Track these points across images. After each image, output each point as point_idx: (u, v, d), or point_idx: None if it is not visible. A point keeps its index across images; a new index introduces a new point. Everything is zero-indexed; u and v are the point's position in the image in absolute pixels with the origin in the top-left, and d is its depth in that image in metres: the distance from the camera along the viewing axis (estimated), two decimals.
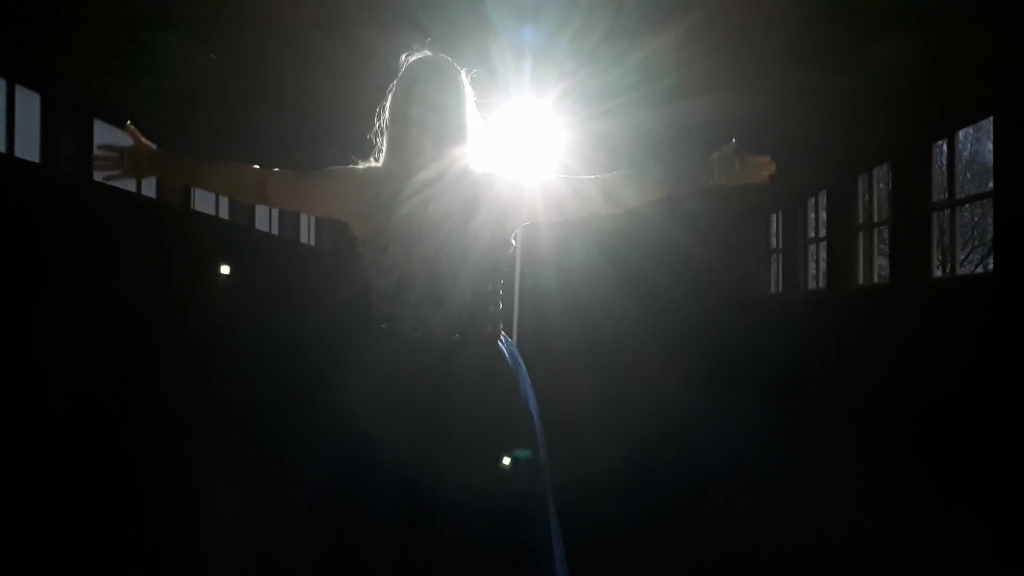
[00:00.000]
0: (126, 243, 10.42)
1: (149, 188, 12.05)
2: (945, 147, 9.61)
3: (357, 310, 2.56)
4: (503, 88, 7.21)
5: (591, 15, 7.04)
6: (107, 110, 10.18)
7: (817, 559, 4.03)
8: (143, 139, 2.21)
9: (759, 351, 11.50)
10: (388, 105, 2.24)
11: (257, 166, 2.24)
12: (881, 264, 12.36)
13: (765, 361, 10.92)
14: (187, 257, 11.78)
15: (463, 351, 2.15)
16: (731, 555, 4.06)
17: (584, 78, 8.03)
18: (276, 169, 2.25)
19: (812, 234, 13.37)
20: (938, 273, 10.09)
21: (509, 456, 2.12)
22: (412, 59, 2.25)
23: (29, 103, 9.64)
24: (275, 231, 16.13)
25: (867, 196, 11.21)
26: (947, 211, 9.26)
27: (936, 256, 9.58)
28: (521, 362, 2.28)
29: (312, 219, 17.40)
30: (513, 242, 2.25)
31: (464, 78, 2.24)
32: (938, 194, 9.30)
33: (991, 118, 8.13)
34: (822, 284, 12.81)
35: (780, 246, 14.59)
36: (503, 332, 2.26)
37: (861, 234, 11.16)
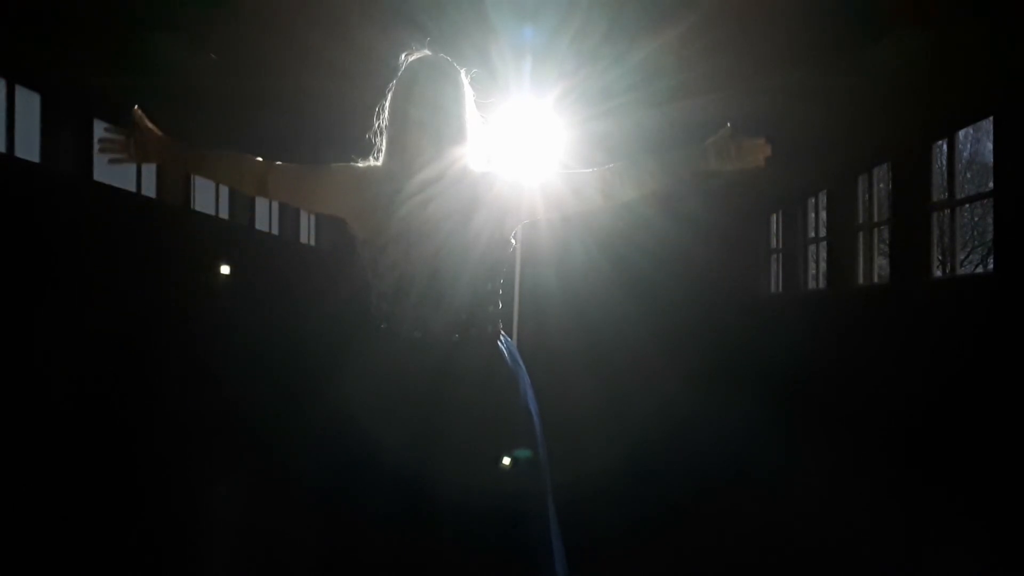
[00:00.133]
0: (126, 243, 10.42)
1: (149, 188, 12.05)
2: (945, 147, 9.61)
3: (357, 310, 2.56)
4: (503, 88, 7.20)
5: (591, 15, 7.05)
6: (107, 110, 10.18)
7: (817, 559, 4.03)
8: (149, 124, 2.21)
9: (759, 351, 11.49)
10: (388, 105, 2.24)
11: (260, 158, 2.24)
12: (881, 264, 12.35)
13: (765, 361, 10.91)
14: (187, 257, 11.79)
15: (462, 351, 2.15)
16: (731, 555, 4.06)
17: (584, 78, 8.04)
18: (278, 162, 2.25)
19: (812, 234, 13.37)
20: (938, 273, 10.08)
21: (509, 456, 2.12)
22: (412, 59, 2.25)
23: (29, 103, 9.64)
24: (275, 231, 16.13)
25: (867, 196, 11.21)
26: (947, 211, 9.26)
27: (936, 256, 9.58)
28: (521, 362, 2.27)
29: (312, 219, 17.41)
30: (512, 241, 2.25)
31: (464, 78, 2.24)
32: (938, 194, 9.30)
33: (991, 118, 8.12)
34: (822, 284, 12.81)
35: (780, 246, 14.59)
36: (503, 332, 2.26)
37: (861, 234, 11.16)
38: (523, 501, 2.12)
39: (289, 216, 16.39)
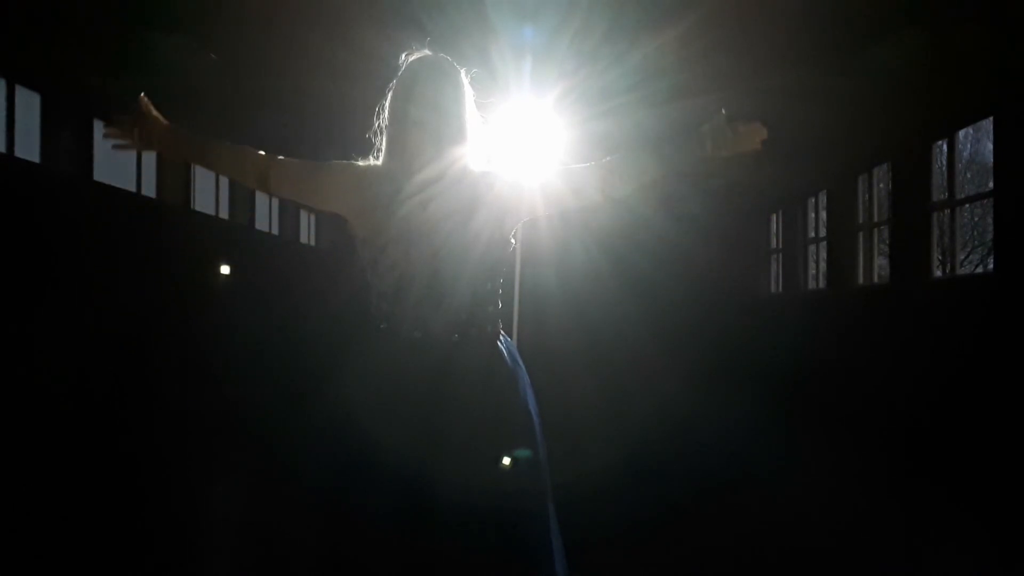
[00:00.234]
0: (126, 243, 10.42)
1: (149, 188, 12.05)
2: (945, 147, 9.61)
3: (356, 310, 2.56)
4: (503, 88, 7.20)
5: (591, 15, 7.06)
6: (107, 110, 10.16)
7: (817, 558, 4.03)
8: (155, 112, 2.20)
9: (759, 351, 11.49)
10: (388, 105, 2.23)
11: (263, 152, 2.24)
12: (881, 264, 12.36)
13: (765, 361, 10.91)
14: (187, 257, 11.78)
15: (462, 351, 2.15)
16: (731, 555, 4.06)
17: (584, 78, 8.04)
18: (281, 157, 2.24)
19: (812, 234, 13.37)
20: (938, 273, 10.09)
21: (509, 456, 2.12)
22: (412, 59, 2.24)
23: (29, 103, 9.64)
24: (275, 231, 16.13)
25: (867, 196, 11.21)
26: (947, 211, 9.26)
27: (936, 256, 9.58)
28: (520, 362, 2.27)
29: (312, 219, 17.42)
30: (512, 240, 2.25)
31: (464, 78, 2.24)
32: (938, 194, 9.30)
33: (991, 118, 8.13)
34: (822, 284, 12.81)
35: (780, 246, 14.58)
36: (503, 332, 2.26)
37: (861, 234, 11.16)
38: (523, 501, 2.12)
39: (289, 216, 16.40)
